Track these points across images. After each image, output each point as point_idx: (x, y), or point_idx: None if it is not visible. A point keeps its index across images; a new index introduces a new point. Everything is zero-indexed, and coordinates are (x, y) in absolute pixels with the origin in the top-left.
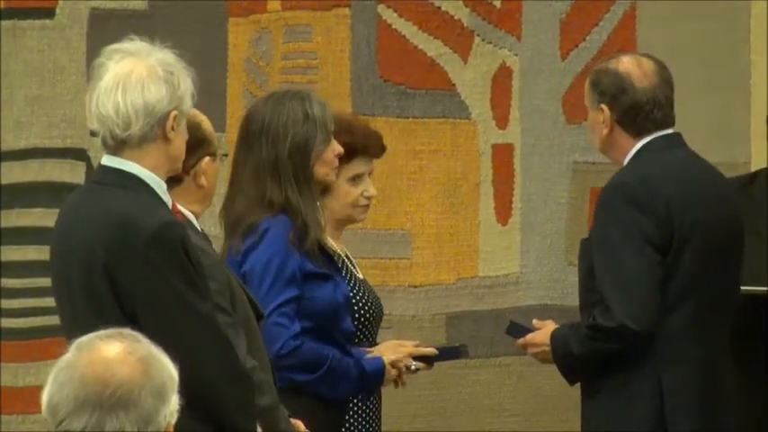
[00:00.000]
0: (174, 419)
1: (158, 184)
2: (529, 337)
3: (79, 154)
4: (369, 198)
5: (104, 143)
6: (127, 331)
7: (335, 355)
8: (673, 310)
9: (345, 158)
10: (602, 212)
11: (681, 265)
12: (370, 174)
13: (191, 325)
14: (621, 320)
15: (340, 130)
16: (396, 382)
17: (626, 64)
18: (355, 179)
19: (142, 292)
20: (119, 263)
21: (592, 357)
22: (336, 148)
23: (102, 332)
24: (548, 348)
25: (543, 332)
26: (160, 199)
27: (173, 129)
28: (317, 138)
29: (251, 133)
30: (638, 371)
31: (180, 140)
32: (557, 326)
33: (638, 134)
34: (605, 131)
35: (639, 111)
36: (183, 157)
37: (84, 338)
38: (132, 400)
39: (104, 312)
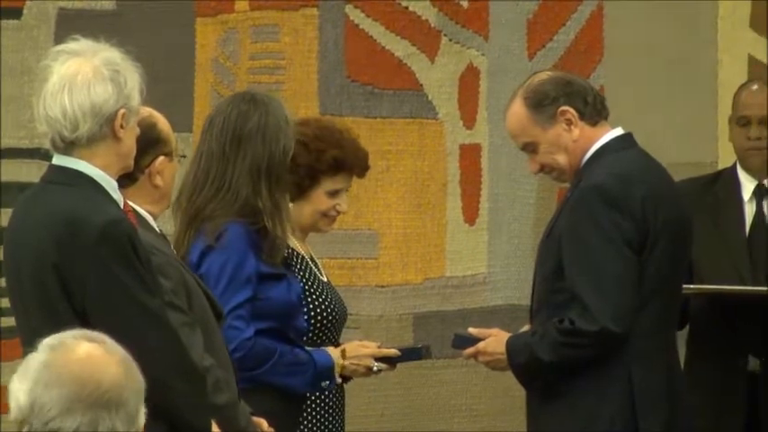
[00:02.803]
0: (143, 422)
1: (108, 183)
2: (481, 345)
3: (47, 154)
4: (338, 212)
5: (54, 144)
6: (93, 333)
7: (285, 348)
8: (642, 309)
9: (331, 172)
10: (578, 213)
11: (652, 264)
12: (347, 189)
13: (139, 321)
14: (604, 323)
15: (331, 143)
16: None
17: (548, 71)
18: (334, 193)
19: (91, 289)
20: (68, 261)
21: (565, 363)
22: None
23: (69, 333)
24: (502, 357)
25: (495, 340)
26: (110, 197)
27: (122, 127)
28: (292, 144)
29: (245, 132)
30: (608, 371)
31: (130, 138)
32: (506, 333)
33: (595, 123)
34: (576, 132)
35: (588, 94)
36: (134, 154)
37: (52, 339)
38: (122, 399)
39: (56, 312)
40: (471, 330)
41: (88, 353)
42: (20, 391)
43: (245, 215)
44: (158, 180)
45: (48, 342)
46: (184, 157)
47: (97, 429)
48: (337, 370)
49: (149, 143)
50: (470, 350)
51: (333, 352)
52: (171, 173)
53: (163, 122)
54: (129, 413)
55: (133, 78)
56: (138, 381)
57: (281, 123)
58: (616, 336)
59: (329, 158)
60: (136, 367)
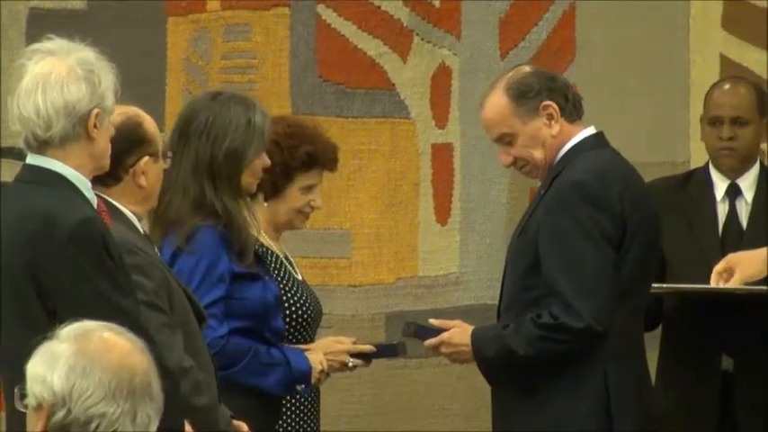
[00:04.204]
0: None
1: (82, 183)
2: (445, 336)
3: (19, 154)
4: (313, 208)
5: (27, 144)
6: (109, 324)
7: (260, 347)
8: (617, 308)
9: (304, 168)
10: (556, 210)
11: (627, 263)
12: (318, 185)
13: (110, 321)
14: (589, 321)
15: (303, 139)
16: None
17: (529, 65)
18: (308, 188)
19: (62, 288)
20: (40, 260)
21: (542, 358)
22: (265, 161)
23: (86, 323)
24: (467, 348)
25: (460, 332)
26: (84, 197)
27: (95, 127)
28: (252, 147)
29: (191, 130)
30: (583, 369)
31: (104, 138)
32: (469, 325)
33: (572, 121)
34: (556, 128)
35: (568, 91)
36: (109, 154)
37: (74, 329)
38: (151, 388)
39: (29, 312)
40: (433, 321)
41: (115, 341)
42: (52, 377)
43: (205, 216)
44: (143, 180)
45: (70, 331)
46: (170, 157)
47: (135, 418)
48: (315, 376)
49: (134, 143)
50: (433, 341)
51: (313, 357)
52: (156, 173)
53: (149, 122)
54: (158, 402)
55: (107, 78)
56: (155, 372)
57: (233, 124)
58: (598, 335)
59: (302, 154)
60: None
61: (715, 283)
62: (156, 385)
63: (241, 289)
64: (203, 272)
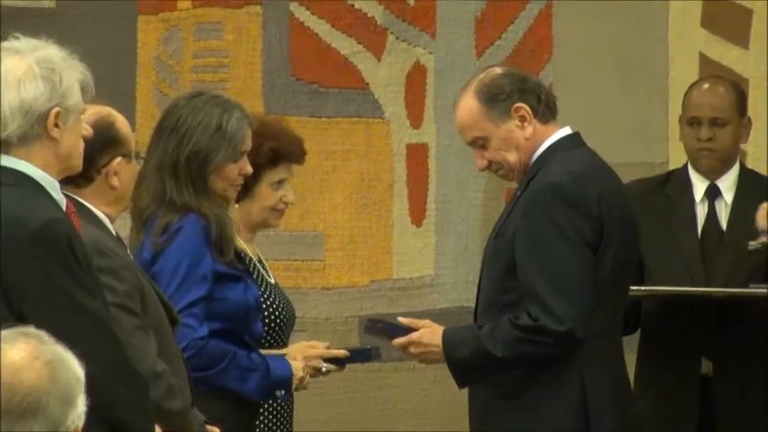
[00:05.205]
0: (81, 422)
1: (49, 183)
2: (414, 335)
3: None
4: (287, 204)
5: None
6: (32, 331)
7: (241, 351)
8: (594, 310)
9: (271, 164)
10: (534, 212)
11: (604, 265)
12: (288, 180)
13: (76, 323)
14: (571, 326)
15: (266, 136)
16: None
17: (501, 66)
18: (278, 184)
19: (28, 289)
20: (4, 262)
21: (519, 360)
22: (245, 168)
23: (5, 332)
24: (437, 349)
25: (430, 332)
26: (50, 197)
27: (56, 126)
28: (220, 152)
29: (163, 127)
30: (560, 372)
31: (69, 138)
32: (439, 326)
33: (546, 122)
34: (529, 130)
35: (541, 91)
36: (80, 154)
37: None
38: (40, 406)
39: None
40: (402, 320)
41: (10, 358)
42: None
43: (174, 211)
44: (115, 181)
45: None
46: (143, 158)
47: None
48: (295, 382)
49: (106, 143)
50: (402, 340)
51: (294, 363)
52: (129, 174)
53: (122, 122)
54: (51, 419)
55: (70, 77)
56: (65, 382)
57: (201, 125)
58: (578, 340)
59: (267, 151)
60: (68, 369)
61: (763, 217)
62: (54, 400)
63: (222, 289)
64: (185, 270)
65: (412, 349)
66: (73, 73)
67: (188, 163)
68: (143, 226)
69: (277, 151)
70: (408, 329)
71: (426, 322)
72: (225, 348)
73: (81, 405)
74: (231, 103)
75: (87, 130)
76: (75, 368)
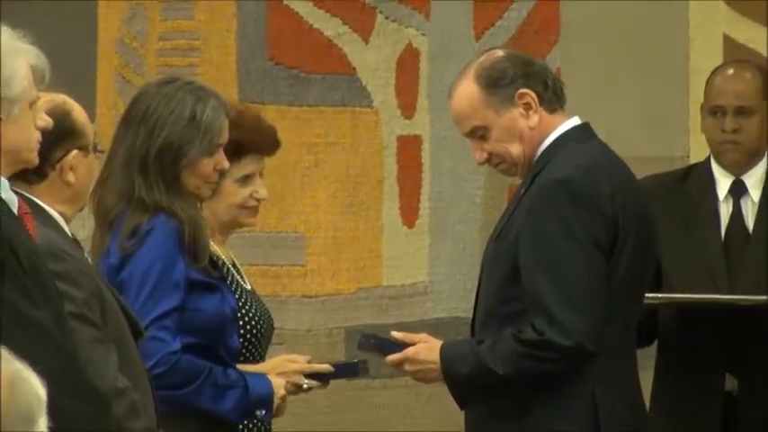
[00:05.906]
0: None
1: None
2: (410, 351)
3: None
4: (258, 200)
5: None
6: None
7: (217, 367)
8: (608, 320)
9: (234, 156)
10: (540, 211)
11: (619, 270)
12: (260, 173)
13: (21, 335)
14: (580, 340)
15: (228, 124)
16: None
17: (502, 49)
18: (245, 179)
19: None
20: None
21: (524, 378)
22: (221, 162)
23: None
24: (435, 366)
25: (427, 347)
26: None
27: None
28: (194, 145)
29: (131, 117)
30: (569, 388)
31: (15, 130)
32: (437, 340)
33: (553, 111)
34: (535, 119)
35: (548, 77)
36: (33, 147)
37: None
38: None
39: None
40: (395, 334)
41: None
42: None
43: (143, 211)
44: (71, 177)
45: None
46: (102, 152)
47: None
48: (277, 401)
49: (61, 135)
50: (396, 356)
51: (275, 380)
52: (86, 169)
53: (78, 112)
54: None
55: (13, 64)
56: (24, 403)
57: (174, 115)
58: (589, 354)
59: (227, 143)
60: (28, 387)
61: None
62: (15, 420)
63: (196, 299)
64: (156, 277)
65: (407, 367)
66: (17, 59)
67: (159, 157)
68: (109, 228)
69: (239, 143)
70: (403, 345)
71: (423, 337)
72: (200, 364)
73: (42, 425)
74: (206, 91)
75: (45, 121)
76: (36, 386)
